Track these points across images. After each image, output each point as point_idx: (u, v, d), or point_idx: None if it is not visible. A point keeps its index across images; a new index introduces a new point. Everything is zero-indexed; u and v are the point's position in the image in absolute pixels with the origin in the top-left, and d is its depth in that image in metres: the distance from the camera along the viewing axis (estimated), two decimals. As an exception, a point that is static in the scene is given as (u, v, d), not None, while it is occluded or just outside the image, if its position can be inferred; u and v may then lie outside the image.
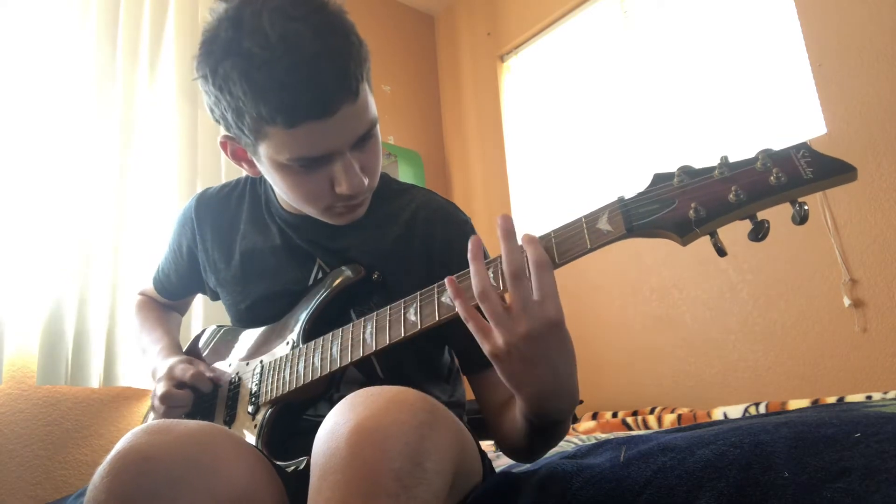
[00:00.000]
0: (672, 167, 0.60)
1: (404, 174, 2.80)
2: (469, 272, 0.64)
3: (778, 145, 0.56)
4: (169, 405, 0.86)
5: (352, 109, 0.71)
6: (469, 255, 0.63)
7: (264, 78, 0.67)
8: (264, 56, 0.66)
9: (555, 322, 0.59)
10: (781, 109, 1.92)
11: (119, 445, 0.57)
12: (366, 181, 0.77)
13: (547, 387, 0.61)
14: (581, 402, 2.13)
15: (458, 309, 0.63)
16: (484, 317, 0.62)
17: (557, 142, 2.64)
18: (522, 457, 0.77)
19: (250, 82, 0.68)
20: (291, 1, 0.69)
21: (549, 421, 0.66)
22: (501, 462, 1.09)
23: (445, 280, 0.65)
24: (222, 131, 0.80)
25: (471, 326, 0.62)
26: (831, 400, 1.47)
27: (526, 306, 0.59)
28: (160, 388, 0.86)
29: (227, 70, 0.69)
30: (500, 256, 0.62)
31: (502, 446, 0.78)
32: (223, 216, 0.97)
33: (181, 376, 0.86)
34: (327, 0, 0.72)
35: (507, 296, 0.62)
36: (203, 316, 1.95)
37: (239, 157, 0.82)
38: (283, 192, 0.81)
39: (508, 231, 0.61)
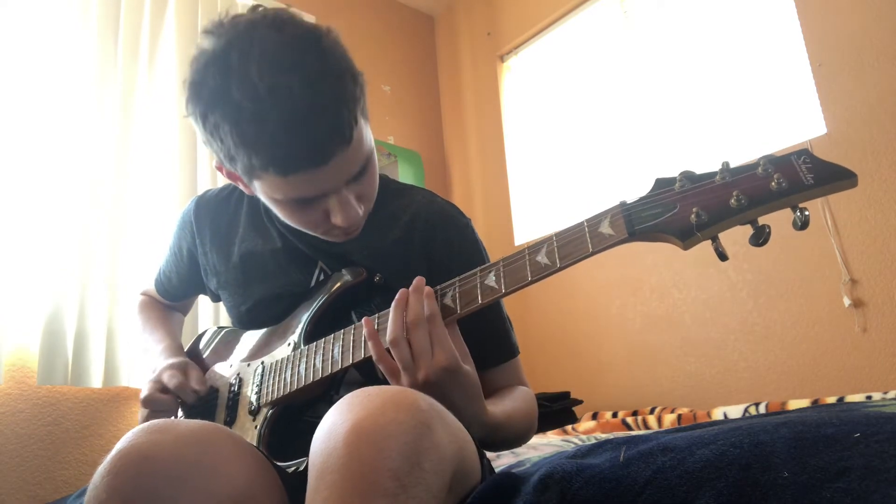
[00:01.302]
0: (672, 167, 0.60)
1: (404, 174, 2.80)
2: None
3: (778, 145, 0.57)
4: (151, 409, 0.87)
5: (346, 155, 0.70)
6: (392, 303, 0.69)
7: (255, 132, 0.66)
8: (254, 109, 0.65)
9: (447, 368, 0.65)
10: (781, 109, 1.92)
11: (119, 445, 0.57)
12: (361, 210, 0.77)
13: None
14: (581, 401, 2.14)
15: (371, 350, 0.69)
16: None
17: (557, 142, 2.64)
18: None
19: (241, 135, 0.66)
20: (280, 45, 0.67)
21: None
22: (501, 462, 1.09)
23: (362, 321, 0.72)
24: None
25: (382, 367, 0.68)
26: (831, 400, 1.47)
27: (422, 354, 0.65)
28: (144, 391, 0.88)
29: (217, 120, 0.68)
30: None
31: None
32: (222, 218, 0.97)
33: (167, 382, 0.87)
34: (319, 35, 0.69)
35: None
36: (203, 316, 1.95)
37: (235, 179, 0.82)
38: (279, 217, 0.82)
39: (417, 287, 0.69)
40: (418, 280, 0.70)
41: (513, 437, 0.80)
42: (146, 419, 0.87)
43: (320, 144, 0.67)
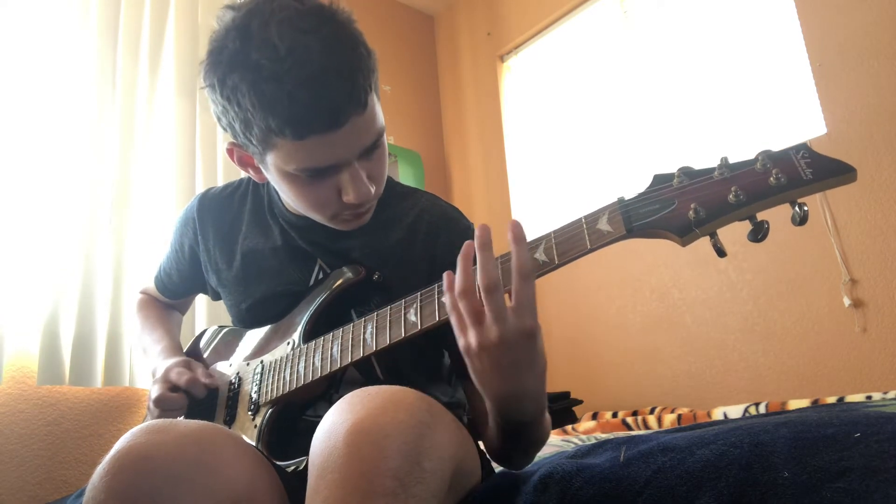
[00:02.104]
0: (672, 167, 0.60)
1: (404, 174, 2.80)
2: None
3: (778, 145, 0.57)
4: (163, 408, 0.86)
5: (360, 121, 0.71)
6: (460, 254, 0.63)
7: (273, 91, 0.67)
8: (273, 69, 0.66)
9: (528, 332, 0.59)
10: (781, 109, 1.92)
11: (118, 445, 0.57)
12: (372, 189, 0.77)
13: (511, 391, 0.62)
14: (581, 401, 2.13)
15: (446, 300, 0.64)
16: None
17: (557, 142, 2.64)
18: (504, 463, 0.77)
19: (259, 95, 0.67)
20: (300, 12, 0.69)
21: (514, 422, 0.67)
22: (501, 462, 1.09)
23: (444, 273, 0.65)
24: (228, 138, 0.80)
25: (452, 319, 0.63)
26: (831, 400, 1.47)
27: (501, 311, 0.59)
28: (155, 391, 0.87)
29: (235, 82, 0.69)
30: (510, 255, 0.62)
31: (488, 452, 0.78)
32: (225, 216, 0.97)
33: (176, 380, 0.86)
34: (336, 10, 0.72)
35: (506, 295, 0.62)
36: (202, 315, 1.95)
37: (245, 163, 0.82)
38: (289, 199, 0.81)
39: (518, 237, 0.61)
40: (484, 234, 0.62)
41: (542, 436, 0.74)
42: (156, 419, 0.87)
43: (336, 105, 0.68)
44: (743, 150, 0.58)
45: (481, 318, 0.60)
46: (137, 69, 2.02)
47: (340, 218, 0.80)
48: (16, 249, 1.72)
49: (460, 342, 0.62)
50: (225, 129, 0.77)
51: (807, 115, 1.84)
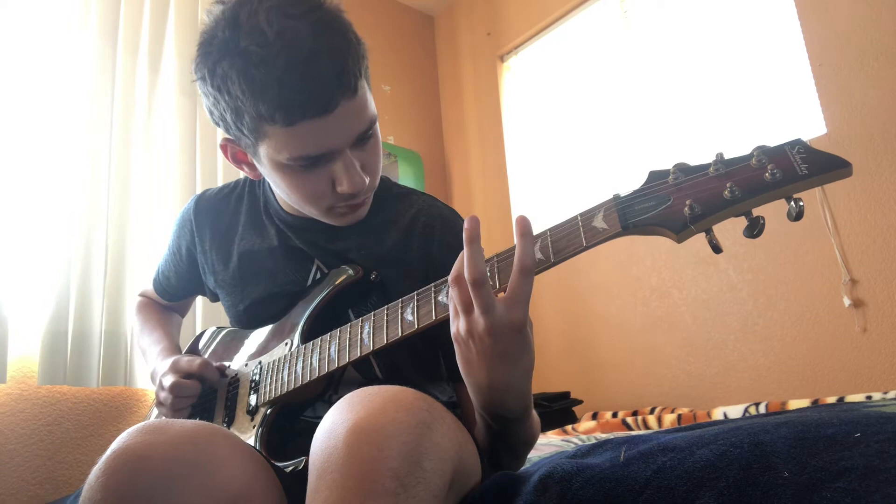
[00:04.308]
0: (669, 166, 0.60)
1: (404, 174, 2.80)
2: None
3: (774, 143, 0.56)
4: (177, 395, 0.86)
5: (351, 106, 0.71)
6: (464, 241, 0.61)
7: (262, 76, 0.67)
8: (262, 54, 0.66)
9: (517, 325, 0.59)
10: (781, 109, 1.92)
11: (115, 445, 0.57)
12: (367, 180, 0.77)
13: (496, 382, 0.62)
14: (581, 401, 2.13)
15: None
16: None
17: (557, 141, 2.64)
18: (493, 465, 0.76)
19: (249, 81, 0.67)
20: (288, 0, 0.69)
21: (499, 419, 0.67)
22: (501, 462, 1.08)
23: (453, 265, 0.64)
24: (223, 134, 0.80)
25: (450, 306, 0.64)
26: (831, 400, 1.47)
27: (489, 304, 0.59)
28: (167, 380, 0.86)
29: (225, 69, 0.69)
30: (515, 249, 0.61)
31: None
32: (222, 218, 0.97)
33: (188, 368, 0.87)
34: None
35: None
36: (203, 317, 1.95)
37: (239, 160, 0.82)
38: (284, 193, 0.81)
39: (525, 231, 0.60)
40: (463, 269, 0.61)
41: (530, 437, 0.75)
42: (169, 408, 0.87)
43: (326, 89, 0.68)
44: (743, 150, 0.58)
45: (470, 309, 0.60)
46: (137, 68, 2.02)
47: (336, 211, 0.80)
48: (17, 249, 1.72)
49: (451, 328, 0.63)
50: (217, 124, 0.77)
51: (807, 115, 1.84)
